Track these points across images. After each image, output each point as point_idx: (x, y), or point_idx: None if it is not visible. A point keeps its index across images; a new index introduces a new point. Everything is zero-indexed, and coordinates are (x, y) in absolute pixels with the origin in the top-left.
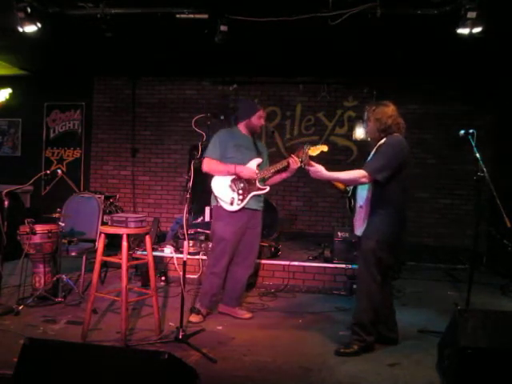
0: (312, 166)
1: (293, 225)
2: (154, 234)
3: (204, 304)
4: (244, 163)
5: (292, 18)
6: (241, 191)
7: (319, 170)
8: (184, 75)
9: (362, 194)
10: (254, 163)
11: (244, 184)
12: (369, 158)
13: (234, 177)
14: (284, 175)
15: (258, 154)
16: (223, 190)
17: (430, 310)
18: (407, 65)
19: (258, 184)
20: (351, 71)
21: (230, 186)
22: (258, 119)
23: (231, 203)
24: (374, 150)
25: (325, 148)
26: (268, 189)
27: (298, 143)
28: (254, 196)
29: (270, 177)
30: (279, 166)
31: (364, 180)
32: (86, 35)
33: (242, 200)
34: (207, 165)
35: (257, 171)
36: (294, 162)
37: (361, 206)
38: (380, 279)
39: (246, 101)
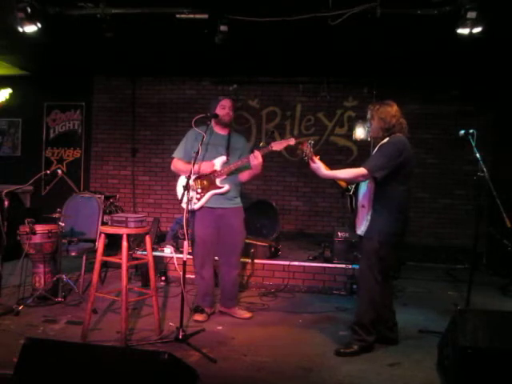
0: (314, 162)
1: (293, 225)
2: (153, 234)
3: (200, 303)
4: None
5: (292, 17)
6: (199, 190)
7: (319, 167)
8: (184, 75)
9: (365, 193)
10: (217, 162)
11: (203, 183)
12: (370, 157)
13: (195, 176)
14: (252, 171)
15: (230, 152)
16: (181, 189)
17: (430, 310)
18: (407, 65)
19: (217, 183)
20: (351, 71)
21: (192, 186)
22: (220, 109)
23: (189, 202)
24: (376, 148)
25: (291, 141)
26: (226, 188)
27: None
28: (222, 195)
29: (235, 172)
30: (239, 163)
31: (362, 178)
32: (86, 35)
33: (198, 199)
34: (173, 164)
35: (217, 170)
36: (254, 158)
37: (363, 206)
38: (381, 279)
39: (215, 98)
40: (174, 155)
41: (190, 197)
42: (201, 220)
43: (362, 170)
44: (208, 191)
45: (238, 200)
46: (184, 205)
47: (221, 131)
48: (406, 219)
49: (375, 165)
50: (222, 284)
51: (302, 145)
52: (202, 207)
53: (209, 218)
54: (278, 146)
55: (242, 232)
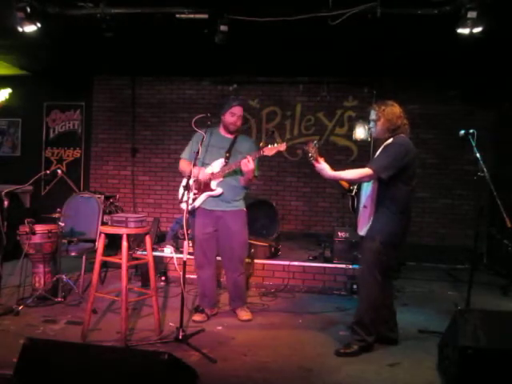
0: (319, 163)
1: (293, 225)
2: (153, 233)
3: (200, 304)
4: (209, 164)
5: (292, 17)
6: (195, 191)
7: (324, 168)
8: (184, 75)
9: (367, 193)
10: (217, 164)
11: (200, 185)
12: (375, 157)
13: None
14: (246, 176)
15: (231, 155)
16: (182, 189)
17: (430, 310)
18: (407, 65)
19: (211, 185)
20: (351, 71)
21: (190, 186)
22: (230, 116)
23: (186, 202)
24: (381, 149)
25: (282, 147)
26: (219, 191)
27: (298, 143)
28: (217, 197)
29: (233, 175)
30: (233, 166)
31: (367, 178)
32: (86, 35)
33: (194, 200)
34: (179, 165)
35: (214, 172)
36: (244, 165)
37: (365, 206)
38: (381, 279)
39: (226, 98)
40: (181, 156)
41: (187, 197)
42: (199, 221)
43: (367, 171)
44: (203, 192)
45: (239, 203)
46: (182, 205)
47: (226, 134)
48: (409, 219)
49: (381, 165)
50: (226, 285)
51: (307, 145)
52: (199, 208)
53: (207, 219)
54: (268, 151)
55: (241, 235)
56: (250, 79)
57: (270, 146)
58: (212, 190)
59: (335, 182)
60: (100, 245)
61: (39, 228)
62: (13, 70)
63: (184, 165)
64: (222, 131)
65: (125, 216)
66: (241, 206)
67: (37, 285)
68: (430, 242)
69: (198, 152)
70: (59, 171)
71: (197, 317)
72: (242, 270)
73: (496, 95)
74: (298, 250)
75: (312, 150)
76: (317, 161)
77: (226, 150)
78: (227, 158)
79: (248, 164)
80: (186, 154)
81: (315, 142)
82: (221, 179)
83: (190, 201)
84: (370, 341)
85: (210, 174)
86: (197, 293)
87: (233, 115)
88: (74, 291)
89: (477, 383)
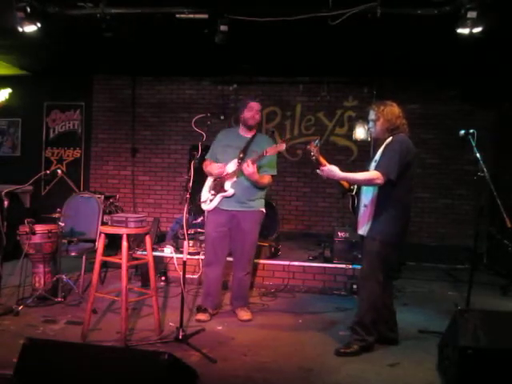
0: (324, 165)
1: (293, 225)
2: (153, 234)
3: (203, 303)
4: (227, 164)
5: (292, 17)
6: (213, 192)
7: (333, 169)
8: (184, 75)
9: (368, 193)
10: (231, 165)
11: (217, 186)
12: (376, 158)
13: (215, 178)
14: (250, 178)
15: (246, 154)
16: (205, 190)
17: (430, 310)
18: (407, 65)
19: (224, 186)
20: (351, 71)
21: (210, 187)
22: (248, 111)
23: (205, 202)
24: (382, 149)
25: (281, 147)
26: (230, 192)
27: (298, 143)
28: (231, 197)
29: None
30: (237, 169)
31: (379, 181)
32: (86, 35)
33: (211, 200)
34: (204, 165)
35: (228, 172)
36: (244, 168)
37: (365, 206)
38: (382, 279)
39: (243, 100)
40: (205, 156)
41: (207, 197)
42: (213, 218)
43: (377, 174)
44: (218, 193)
45: (254, 203)
46: (203, 205)
47: (245, 134)
48: (408, 219)
49: (389, 166)
50: (231, 284)
51: (309, 144)
52: (215, 207)
53: (222, 218)
54: (270, 151)
55: (252, 236)
56: (250, 79)
57: (274, 145)
58: (225, 191)
59: (336, 181)
60: (100, 245)
61: (39, 228)
62: (13, 69)
63: (206, 165)
64: (240, 131)
65: (125, 216)
66: (257, 206)
67: (37, 285)
68: (430, 242)
69: (196, 152)
70: (59, 171)
71: (200, 316)
72: (249, 270)
73: (496, 95)
74: (298, 250)
75: (314, 149)
76: (322, 163)
77: (241, 150)
78: (241, 159)
79: (247, 168)
80: (209, 155)
81: (317, 141)
82: (234, 179)
83: (209, 202)
84: (371, 340)
85: (224, 173)
86: (198, 292)
87: (251, 109)
88: (74, 291)
89: (477, 383)
